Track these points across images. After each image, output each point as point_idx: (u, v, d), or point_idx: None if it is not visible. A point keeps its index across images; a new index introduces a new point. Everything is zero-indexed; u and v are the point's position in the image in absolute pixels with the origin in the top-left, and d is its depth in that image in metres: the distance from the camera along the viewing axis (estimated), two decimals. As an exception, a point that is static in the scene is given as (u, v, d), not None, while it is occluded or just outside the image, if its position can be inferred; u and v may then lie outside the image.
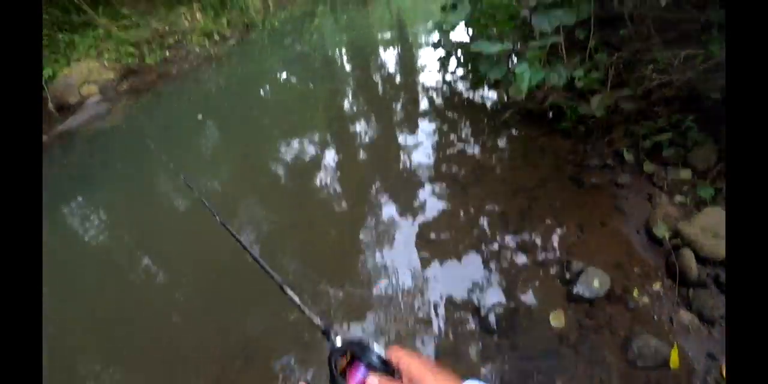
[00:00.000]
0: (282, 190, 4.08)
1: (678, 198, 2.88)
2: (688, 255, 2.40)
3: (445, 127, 4.64)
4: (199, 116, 6.00)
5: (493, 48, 3.95)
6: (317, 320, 0.66)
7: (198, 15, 9.56)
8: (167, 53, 8.36)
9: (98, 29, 7.87)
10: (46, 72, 7.00)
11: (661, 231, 2.60)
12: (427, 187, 3.64)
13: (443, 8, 6.05)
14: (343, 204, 3.74)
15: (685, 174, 3.01)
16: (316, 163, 4.31)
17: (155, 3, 9.25)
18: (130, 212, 4.14)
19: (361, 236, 3.24)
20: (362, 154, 4.44)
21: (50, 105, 6.67)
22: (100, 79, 7.22)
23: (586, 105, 3.54)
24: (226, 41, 9.42)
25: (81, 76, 7.04)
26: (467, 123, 4.69)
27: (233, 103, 6.34)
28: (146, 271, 3.35)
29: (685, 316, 2.22)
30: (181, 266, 3.31)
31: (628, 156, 3.29)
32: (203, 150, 5.14)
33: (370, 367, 0.55)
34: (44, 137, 5.87)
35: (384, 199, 3.61)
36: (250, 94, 6.62)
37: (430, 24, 6.63)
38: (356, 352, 0.57)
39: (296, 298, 0.71)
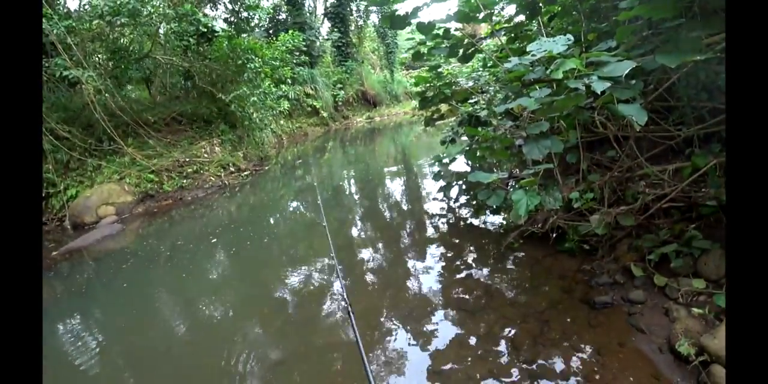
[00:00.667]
0: (287, 317, 3.88)
1: (696, 310, 2.77)
2: (719, 372, 2.23)
3: (450, 253, 4.68)
4: (213, 239, 6.13)
5: (489, 177, 4.20)
6: None
7: (217, 148, 10.43)
8: (184, 181, 8.91)
9: (125, 157, 8.55)
10: (70, 192, 7.42)
11: (685, 348, 2.45)
12: (436, 315, 3.52)
13: (443, 142, 6.64)
14: (350, 334, 3.58)
15: (698, 283, 2.94)
16: (323, 291, 4.21)
17: (180, 137, 10.19)
18: (126, 334, 3.94)
19: (371, 367, 3.03)
20: (369, 282, 4.36)
21: (67, 223, 6.92)
22: (118, 201, 7.60)
23: (586, 224, 3.66)
24: (241, 172, 10.10)
25: (101, 197, 7.42)
26: (472, 248, 4.75)
27: (242, 230, 6.51)
28: None
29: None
30: None
31: (637, 271, 3.27)
32: (207, 274, 5.12)
33: None
34: (54, 253, 5.94)
35: (392, 327, 3.45)
36: (259, 222, 6.84)
37: (431, 157, 7.21)
38: None
39: None
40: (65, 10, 9.61)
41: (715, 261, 3.01)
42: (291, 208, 7.72)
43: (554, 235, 4.24)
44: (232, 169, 10.10)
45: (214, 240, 6.19)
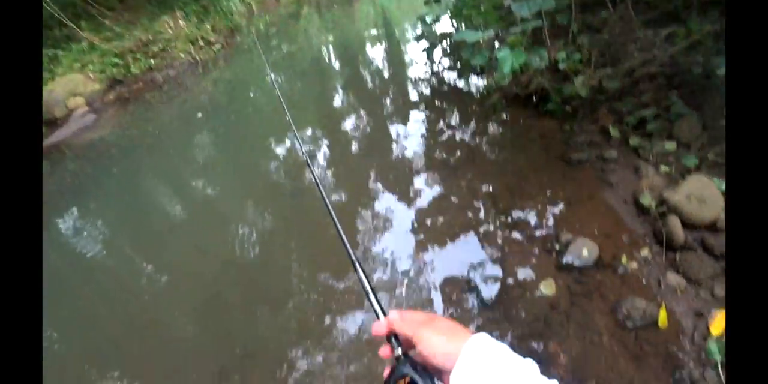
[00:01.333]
0: (278, 185, 4.10)
1: (663, 168, 2.93)
2: (675, 221, 2.45)
3: (434, 116, 4.69)
4: (192, 120, 6.02)
5: (475, 36, 4.00)
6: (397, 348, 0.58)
7: (181, 22, 9.58)
8: (152, 62, 8.38)
9: (81, 43, 7.90)
10: (33, 85, 7.02)
11: (648, 200, 2.65)
12: (421, 173, 3.70)
13: (426, 2, 6.12)
14: (339, 194, 3.78)
15: (670, 146, 3.05)
16: (311, 155, 4.34)
17: (138, 14, 9.29)
18: (126, 222, 4.15)
19: (359, 225, 3.28)
20: (355, 146, 4.48)
21: (38, 118, 6.69)
22: (86, 91, 7.25)
23: (570, 86, 3.60)
24: (212, 46, 9.44)
25: (66, 89, 7.06)
26: (456, 110, 4.75)
27: (221, 108, 6.36)
28: (142, 281, 3.34)
29: (673, 278, 2.27)
30: (178, 275, 3.30)
31: (614, 132, 3.33)
32: (193, 154, 5.16)
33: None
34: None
35: (379, 187, 3.66)
36: (237, 98, 6.65)
37: (415, 20, 6.68)
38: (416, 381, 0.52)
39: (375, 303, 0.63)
40: None
41: (690, 126, 3.07)
42: (269, 82, 7.45)
43: (537, 97, 4.21)
44: (201, 43, 9.41)
45: (194, 120, 6.09)
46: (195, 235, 3.69)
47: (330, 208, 0.80)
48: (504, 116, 4.33)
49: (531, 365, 0.50)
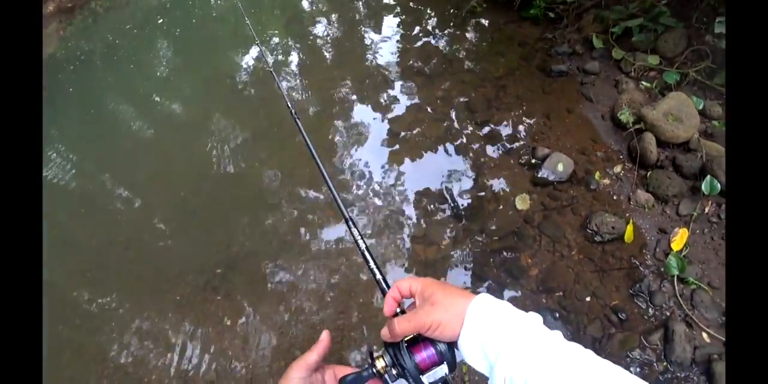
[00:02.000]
0: (245, 95, 3.81)
1: (644, 84, 2.87)
2: (649, 139, 2.46)
3: (409, 20, 4.35)
4: (147, 28, 5.37)
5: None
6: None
7: None
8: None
9: None
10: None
11: (625, 116, 2.62)
12: (395, 82, 3.50)
13: None
14: (310, 104, 3.58)
15: (653, 60, 2.96)
16: (279, 64, 4.02)
17: None
18: (90, 143, 3.79)
19: (332, 136, 3.15)
20: (325, 52, 4.15)
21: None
22: None
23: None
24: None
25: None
26: (432, 14, 4.41)
27: (178, 10, 5.67)
28: (116, 203, 3.13)
29: (642, 195, 2.34)
30: (150, 193, 3.13)
31: (598, 42, 3.19)
32: (154, 66, 4.68)
33: (440, 354, 0.53)
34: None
35: (353, 95, 3.47)
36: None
37: None
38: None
39: (372, 263, 0.64)
40: None
41: (675, 40, 2.95)
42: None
43: (519, 0, 3.93)
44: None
45: (149, 28, 5.45)
46: (164, 150, 3.47)
47: (310, 145, 0.76)
48: (483, 21, 4.07)
49: (534, 319, 0.50)
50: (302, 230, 2.54)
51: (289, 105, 0.81)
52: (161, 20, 5.60)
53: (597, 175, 2.46)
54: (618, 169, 2.50)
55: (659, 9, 2.99)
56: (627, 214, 2.28)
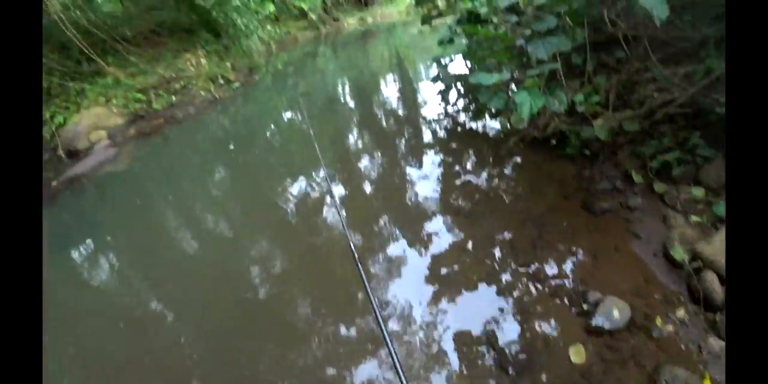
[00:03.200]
0: (289, 225, 4.00)
1: (694, 218, 2.78)
2: (711, 277, 2.28)
3: (449, 159, 4.61)
4: (209, 155, 6.07)
5: (491, 79, 3.96)
6: None
7: (203, 60, 9.87)
8: (174, 98, 8.57)
9: (107, 77, 8.13)
10: (57, 120, 7.21)
11: (680, 253, 2.49)
12: (435, 220, 3.57)
13: (440, 43, 6.18)
14: (350, 239, 3.66)
15: (698, 192, 2.91)
16: (322, 198, 4.26)
17: (161, 50, 9.60)
18: (139, 255, 4.09)
19: (371, 269, 3.14)
20: (368, 188, 4.39)
21: (60, 151, 6.83)
22: (109, 124, 7.40)
23: (589, 129, 3.51)
24: (231, 84, 9.66)
25: (90, 122, 7.21)
26: (471, 153, 4.67)
27: (237, 145, 6.41)
28: (153, 314, 3.24)
29: (715, 342, 2.08)
30: (187, 308, 3.20)
31: (637, 177, 3.21)
32: (209, 189, 5.14)
33: None
34: (54, 183, 5.94)
35: (392, 233, 3.53)
36: (253, 136, 6.70)
37: (428, 59, 6.75)
38: None
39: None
40: None
41: (716, 169, 2.94)
42: (285, 120, 7.51)
43: (555, 140, 4.13)
44: (221, 81, 9.65)
45: (211, 155, 6.14)
46: (202, 267, 3.59)
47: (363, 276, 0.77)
48: (521, 160, 4.25)
49: None
50: (338, 367, 2.39)
51: (352, 246, 0.83)
52: (224, 149, 6.25)
53: (658, 320, 2.24)
54: (681, 313, 2.27)
55: (694, 141, 3.04)
56: (701, 367, 2.00)
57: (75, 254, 4.29)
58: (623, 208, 3.14)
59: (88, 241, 4.48)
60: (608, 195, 3.33)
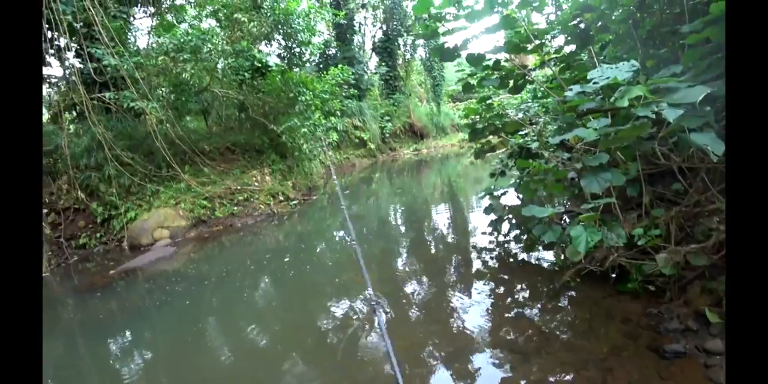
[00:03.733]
0: (329, 349, 3.75)
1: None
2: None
3: (500, 290, 4.45)
4: (260, 266, 6.21)
5: (544, 212, 4.02)
6: None
7: (267, 177, 10.71)
8: (235, 209, 9.16)
9: (181, 183, 8.93)
10: (129, 215, 7.81)
11: (777, 408, 2.15)
12: (486, 354, 3.31)
13: (492, 175, 6.49)
14: (396, 370, 3.41)
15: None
16: (368, 324, 4.09)
17: (232, 166, 10.58)
18: (173, 354, 3.99)
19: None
20: (413, 317, 4.17)
21: (125, 243, 7.26)
22: (173, 225, 7.89)
23: (651, 263, 3.39)
24: (289, 201, 10.28)
25: (157, 221, 7.75)
26: (524, 285, 4.52)
27: (288, 258, 6.55)
28: None
29: None
30: None
31: (712, 317, 2.96)
32: (254, 299, 5.15)
33: None
34: (112, 271, 6.20)
35: (436, 366, 3.26)
36: (304, 251, 6.86)
37: (480, 189, 7.04)
38: None
39: None
40: (135, 48, 10.40)
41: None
42: (337, 238, 7.72)
43: (615, 274, 3.97)
44: (281, 197, 10.30)
45: (261, 266, 6.26)
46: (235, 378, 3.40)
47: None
48: (578, 295, 4.04)
49: None
50: None
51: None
52: (275, 262, 6.35)
53: None
54: None
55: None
56: None
57: (109, 340, 4.31)
58: (700, 352, 2.83)
59: (125, 330, 4.49)
60: (680, 336, 3.04)
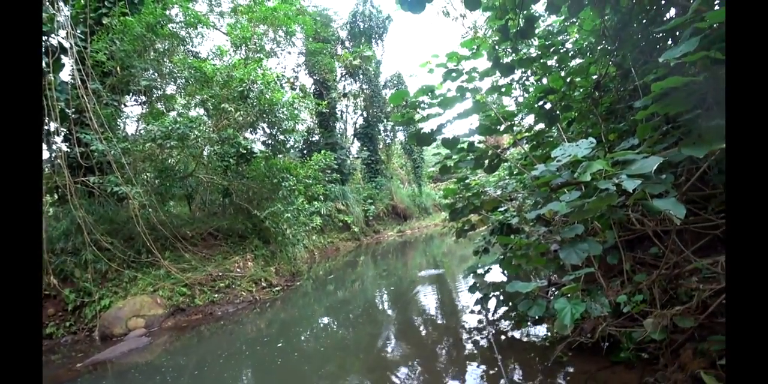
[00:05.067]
0: None
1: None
2: None
3: (492, 371, 4.31)
4: (240, 358, 5.91)
5: (528, 287, 4.07)
6: None
7: (250, 263, 10.56)
8: (216, 296, 8.89)
9: (160, 269, 8.72)
10: (103, 302, 7.48)
11: None
12: None
13: (476, 253, 6.55)
14: None
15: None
16: None
17: (214, 251, 10.46)
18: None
19: None
20: None
21: (96, 333, 6.85)
22: (149, 314, 7.55)
23: (640, 329, 3.38)
24: (272, 288, 10.03)
25: (132, 309, 7.42)
26: (516, 364, 4.38)
27: (270, 349, 6.25)
28: None
29: None
30: None
31: (710, 380, 2.89)
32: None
33: None
34: (79, 364, 5.78)
35: None
36: (288, 340, 6.56)
37: (465, 268, 7.03)
38: None
39: None
40: (123, 134, 10.78)
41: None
42: (321, 326, 7.45)
43: (606, 344, 3.91)
44: (263, 284, 10.07)
45: (242, 358, 5.93)
46: None
47: None
48: (573, 370, 3.94)
49: None
50: None
51: None
52: (257, 353, 6.02)
53: None
54: None
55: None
56: None
57: None
58: (702, 419, 2.74)
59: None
60: (680, 404, 2.96)
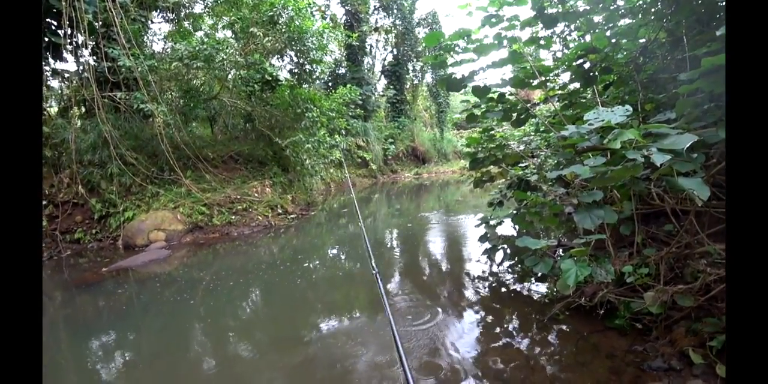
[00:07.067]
0: (313, 368, 3.75)
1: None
2: None
3: (489, 319, 4.47)
4: (252, 276, 6.22)
5: (537, 244, 4.08)
6: None
7: (268, 189, 10.79)
8: (233, 218, 9.22)
9: (181, 187, 9.00)
10: (127, 214, 7.85)
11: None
12: (473, 382, 3.33)
13: (490, 204, 6.56)
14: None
15: None
16: (354, 344, 4.06)
17: (234, 175, 10.67)
18: (154, 358, 3.97)
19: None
20: (403, 341, 4.16)
21: (120, 242, 7.27)
22: (170, 228, 7.93)
23: (639, 301, 3.46)
24: (287, 215, 10.33)
25: (154, 222, 7.79)
26: (513, 316, 4.53)
27: (281, 270, 6.55)
28: None
29: None
30: None
31: (696, 357, 3.01)
32: (242, 308, 5.15)
33: None
34: (104, 269, 6.22)
35: None
36: (299, 264, 6.86)
37: (477, 217, 7.08)
38: None
39: None
40: (150, 51, 10.65)
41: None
42: (331, 254, 7.74)
43: (603, 310, 4.02)
44: (279, 210, 10.36)
45: (253, 276, 6.26)
46: None
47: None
48: (566, 328, 4.07)
49: None
50: None
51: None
52: (268, 273, 6.35)
53: None
54: None
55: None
56: None
57: (92, 339, 4.35)
58: (682, 391, 2.88)
59: (110, 330, 4.51)
60: (663, 375, 3.07)
